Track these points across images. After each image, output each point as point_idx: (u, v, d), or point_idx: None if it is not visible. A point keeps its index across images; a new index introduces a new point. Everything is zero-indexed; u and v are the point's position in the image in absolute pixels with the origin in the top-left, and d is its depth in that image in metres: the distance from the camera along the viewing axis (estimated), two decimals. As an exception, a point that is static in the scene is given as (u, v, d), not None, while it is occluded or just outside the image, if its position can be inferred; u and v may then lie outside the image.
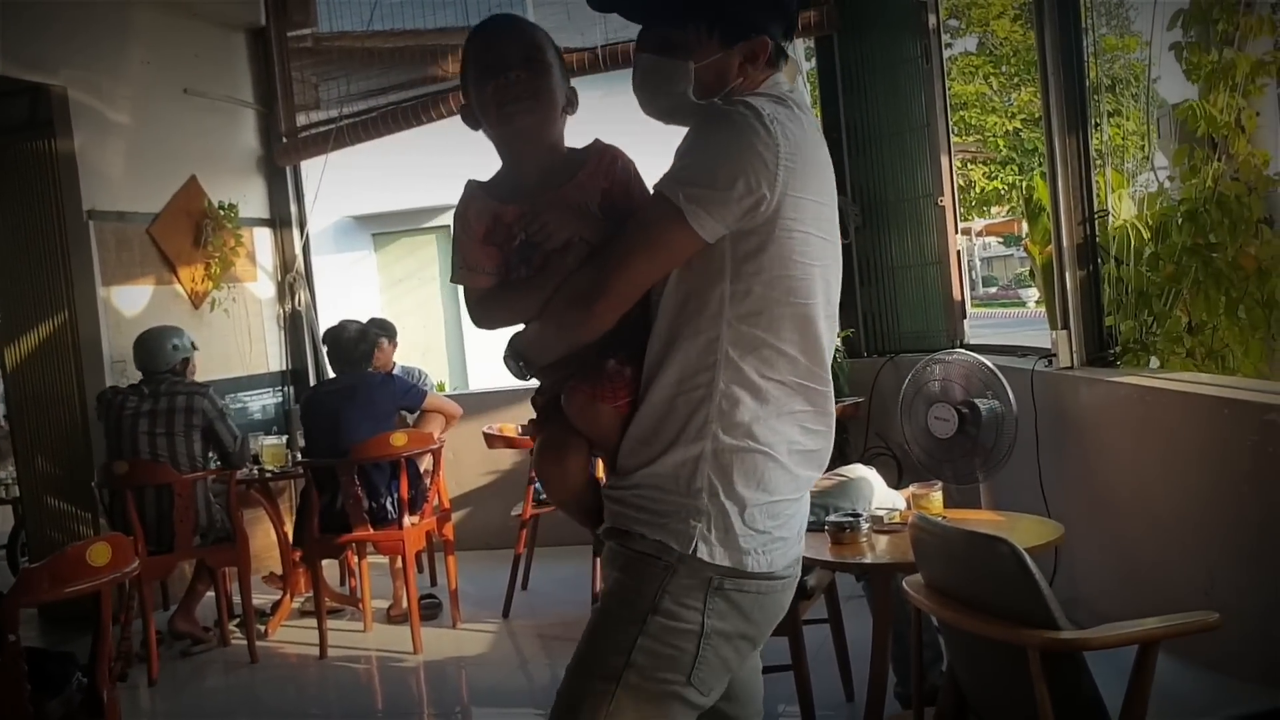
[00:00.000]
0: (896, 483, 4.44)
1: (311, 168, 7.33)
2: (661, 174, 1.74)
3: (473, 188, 1.87)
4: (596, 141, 1.88)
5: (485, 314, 1.89)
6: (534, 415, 1.93)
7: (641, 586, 1.75)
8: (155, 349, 5.26)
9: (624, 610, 1.76)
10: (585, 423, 1.81)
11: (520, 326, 1.89)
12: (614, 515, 1.81)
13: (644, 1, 1.86)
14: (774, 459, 1.76)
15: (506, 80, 1.78)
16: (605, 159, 1.85)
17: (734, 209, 1.68)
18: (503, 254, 1.85)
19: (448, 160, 9.49)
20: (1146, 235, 4.23)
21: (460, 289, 1.92)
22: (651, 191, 1.75)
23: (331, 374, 5.49)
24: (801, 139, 1.73)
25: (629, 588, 1.77)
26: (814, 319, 1.78)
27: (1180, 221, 4.03)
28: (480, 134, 1.89)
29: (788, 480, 1.79)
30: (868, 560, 3.31)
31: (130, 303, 6.12)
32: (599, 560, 1.86)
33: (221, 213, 6.71)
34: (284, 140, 7.30)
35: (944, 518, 3.23)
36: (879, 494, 3.68)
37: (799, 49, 10.24)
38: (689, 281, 1.74)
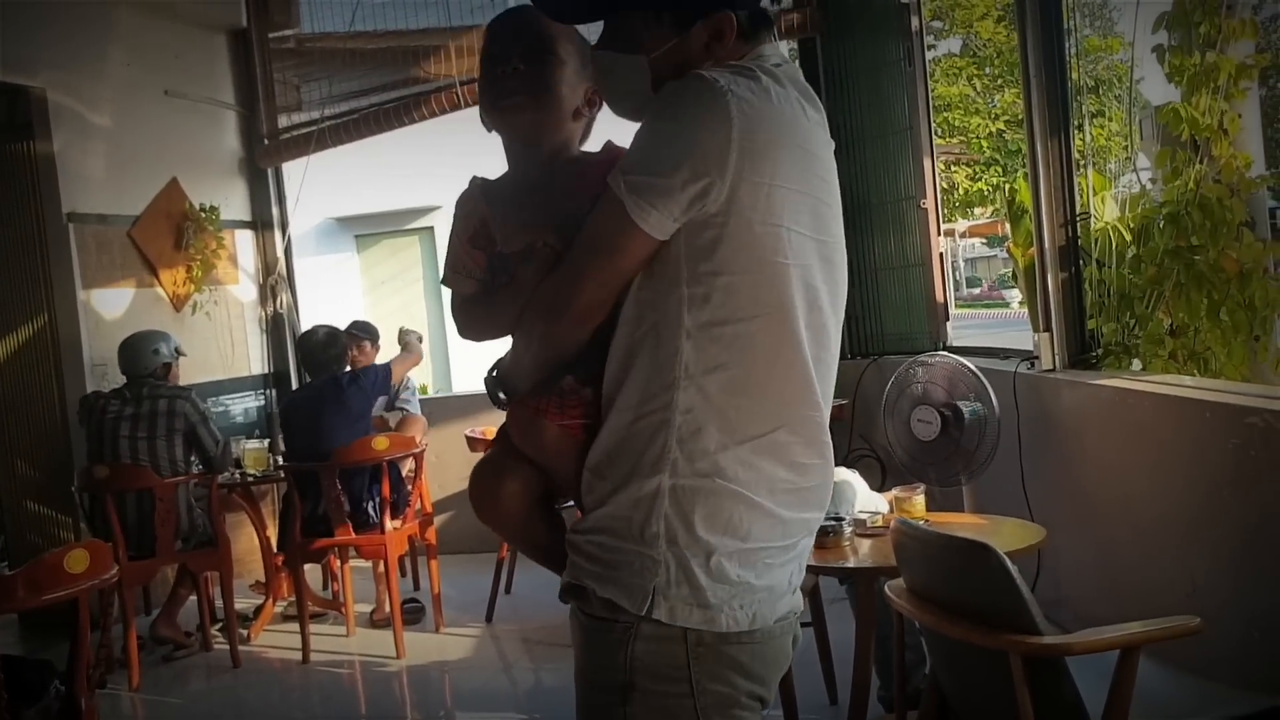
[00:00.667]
0: (880, 485, 4.44)
1: (293, 169, 7.28)
2: None
3: (473, 186, 1.71)
4: (609, 144, 1.68)
5: (464, 322, 1.70)
6: None
7: (604, 660, 1.50)
8: (137, 353, 5.23)
9: (599, 696, 1.52)
10: (527, 441, 1.60)
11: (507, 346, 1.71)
12: (569, 567, 1.55)
13: None
14: (747, 499, 1.48)
15: (504, 72, 1.63)
16: (609, 162, 1.61)
17: (678, 198, 1.43)
18: (488, 259, 1.67)
19: (431, 162, 9.52)
20: (1129, 237, 4.24)
21: (448, 293, 1.75)
22: None
23: (309, 378, 5.47)
24: (766, 115, 1.46)
25: (593, 664, 1.53)
26: (793, 330, 1.51)
27: (1162, 224, 4.04)
28: (475, 136, 1.79)
29: (770, 525, 1.50)
30: (850, 564, 3.31)
31: (111, 306, 6.08)
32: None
33: (203, 215, 6.67)
34: (265, 142, 7.27)
35: (926, 521, 3.22)
36: (862, 497, 3.67)
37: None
38: (647, 287, 1.50)
